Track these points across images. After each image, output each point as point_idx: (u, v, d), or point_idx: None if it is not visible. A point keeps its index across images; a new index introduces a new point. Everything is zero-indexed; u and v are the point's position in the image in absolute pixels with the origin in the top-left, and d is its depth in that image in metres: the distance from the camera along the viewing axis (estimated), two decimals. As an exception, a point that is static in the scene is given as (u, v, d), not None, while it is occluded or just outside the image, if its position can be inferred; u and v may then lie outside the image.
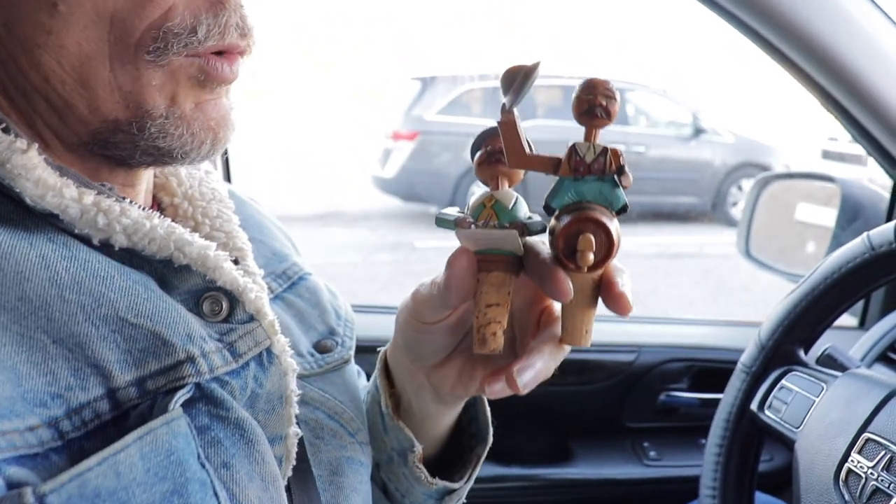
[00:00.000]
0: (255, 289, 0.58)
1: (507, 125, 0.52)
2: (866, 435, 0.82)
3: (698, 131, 8.17)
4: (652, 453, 1.49)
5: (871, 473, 0.79)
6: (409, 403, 0.72)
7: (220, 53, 0.56)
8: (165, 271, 0.56)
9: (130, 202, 0.56)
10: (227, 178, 1.55)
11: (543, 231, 0.55)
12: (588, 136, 0.52)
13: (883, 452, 0.79)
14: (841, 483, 0.82)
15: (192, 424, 0.50)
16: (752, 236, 1.85)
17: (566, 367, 1.45)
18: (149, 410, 0.48)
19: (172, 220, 0.65)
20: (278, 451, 0.60)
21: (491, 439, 0.77)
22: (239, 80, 0.60)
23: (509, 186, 0.58)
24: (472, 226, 0.54)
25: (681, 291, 5.83)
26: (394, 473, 0.77)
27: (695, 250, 7.05)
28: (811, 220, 1.89)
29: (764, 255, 1.83)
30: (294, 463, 0.62)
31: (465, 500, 0.80)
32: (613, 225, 0.51)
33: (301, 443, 0.67)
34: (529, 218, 0.56)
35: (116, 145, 0.55)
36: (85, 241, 0.52)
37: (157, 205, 0.68)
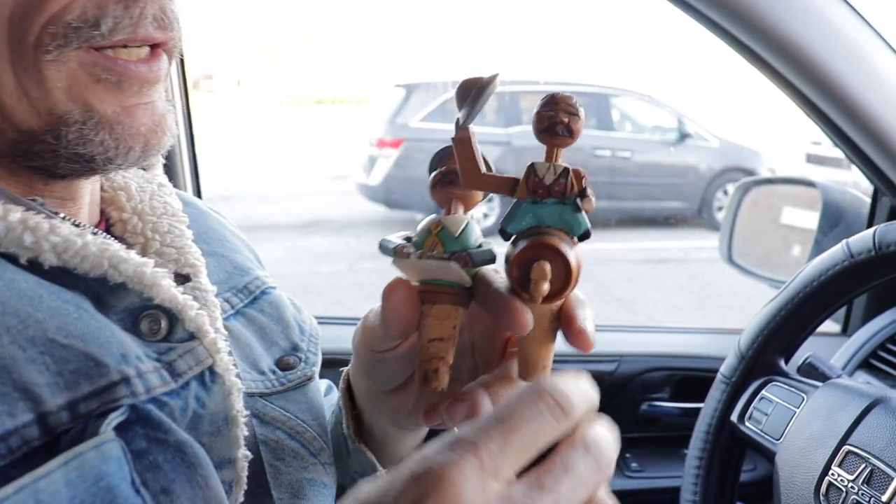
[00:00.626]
0: (196, 306, 0.56)
1: (462, 142, 0.49)
2: (846, 447, 0.80)
3: (683, 136, 8.21)
4: (634, 464, 1.47)
5: (852, 487, 0.77)
6: (370, 425, 0.69)
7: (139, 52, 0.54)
8: (101, 290, 0.53)
9: (64, 218, 0.54)
10: (197, 191, 1.53)
11: (492, 261, 0.52)
12: (549, 156, 0.49)
13: (863, 466, 0.78)
14: (821, 496, 0.80)
15: (127, 448, 0.47)
16: (735, 241, 1.84)
17: (546, 378, 1.44)
18: (80, 435, 0.45)
19: (121, 236, 0.63)
20: (227, 475, 0.57)
21: None
22: (167, 78, 0.58)
23: (465, 211, 0.54)
24: (412, 255, 0.51)
25: (666, 297, 5.84)
26: None
27: (680, 255, 7.07)
28: (797, 223, 1.88)
29: (746, 261, 1.82)
30: (245, 487, 0.59)
31: None
32: (573, 252, 0.47)
33: (260, 466, 0.65)
34: (480, 245, 0.52)
35: (39, 155, 0.53)
36: (12, 259, 0.49)
37: (106, 220, 0.65)
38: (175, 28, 0.56)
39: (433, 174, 0.54)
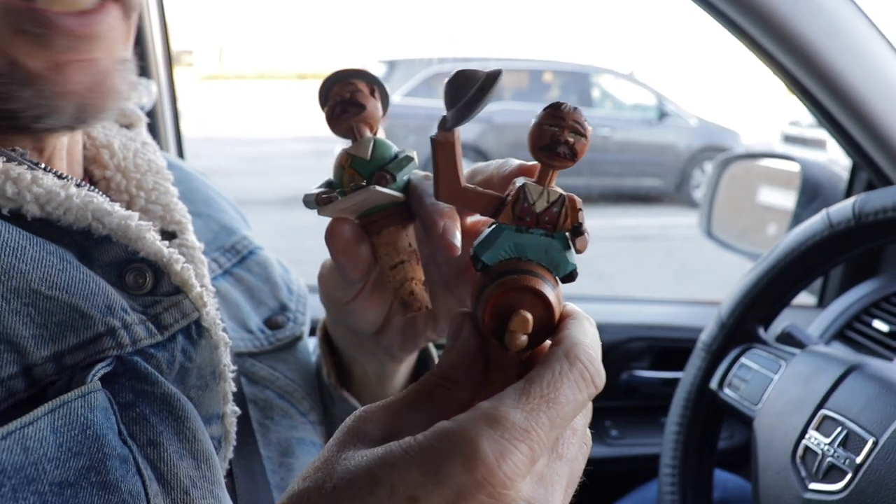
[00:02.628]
0: (182, 260, 0.55)
1: (444, 146, 0.42)
2: (823, 412, 0.82)
3: (663, 115, 8.25)
4: (614, 432, 1.49)
5: (828, 450, 0.79)
6: (363, 369, 0.68)
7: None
8: (86, 243, 0.52)
9: (47, 169, 0.52)
10: (180, 156, 1.51)
11: (414, 165, 0.49)
12: (543, 178, 0.42)
13: (839, 429, 0.79)
14: (798, 460, 0.82)
15: (113, 400, 0.47)
16: (714, 215, 1.85)
17: (528, 348, 1.45)
18: (66, 387, 0.45)
19: (105, 194, 0.61)
20: (216, 430, 0.57)
21: None
22: (113, 35, 0.53)
23: (371, 133, 0.50)
24: (330, 198, 0.48)
25: (645, 272, 5.88)
26: None
27: (659, 232, 7.12)
28: (773, 202, 1.90)
29: (726, 235, 1.84)
30: (234, 444, 0.59)
31: None
32: (555, 295, 0.41)
33: (248, 423, 0.65)
34: (395, 157, 0.49)
35: None
36: None
37: (89, 178, 0.64)
38: None
39: (325, 108, 0.51)
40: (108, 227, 0.51)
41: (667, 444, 1.03)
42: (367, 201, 0.48)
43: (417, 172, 0.52)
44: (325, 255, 0.55)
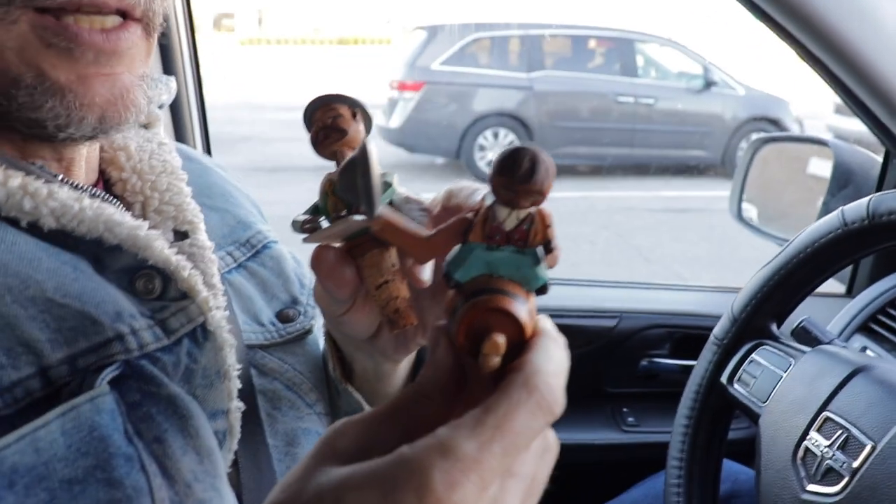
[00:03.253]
0: (189, 266, 0.58)
1: (386, 230, 0.45)
2: (825, 413, 0.82)
3: (709, 84, 8.05)
4: (630, 419, 1.50)
5: (827, 452, 0.79)
6: (363, 367, 0.71)
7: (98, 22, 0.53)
8: (99, 251, 0.56)
9: (63, 180, 0.56)
10: (206, 146, 1.54)
11: (390, 192, 0.51)
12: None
13: (840, 432, 0.79)
14: (798, 460, 0.82)
15: (121, 401, 0.50)
16: (745, 199, 1.83)
17: (546, 333, 1.46)
18: (78, 388, 0.49)
19: (121, 195, 0.65)
20: (221, 425, 0.60)
21: None
22: (134, 51, 0.56)
23: None
24: (314, 227, 0.51)
25: (685, 247, 5.80)
26: None
27: (702, 205, 7.01)
28: (824, 174, 1.86)
29: (759, 217, 1.82)
30: (239, 436, 0.62)
31: None
32: (527, 310, 0.42)
33: (256, 416, 0.68)
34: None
35: (2, 116, 0.54)
36: (13, 223, 0.52)
37: (106, 180, 0.67)
38: None
39: (311, 133, 0.52)
40: (119, 236, 0.55)
41: (675, 437, 1.04)
42: (349, 229, 0.50)
43: (400, 193, 0.54)
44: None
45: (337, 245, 0.54)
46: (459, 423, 0.38)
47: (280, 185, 6.80)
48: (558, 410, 0.40)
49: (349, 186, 0.44)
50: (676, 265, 5.41)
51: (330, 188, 0.51)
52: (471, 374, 0.43)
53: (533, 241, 0.42)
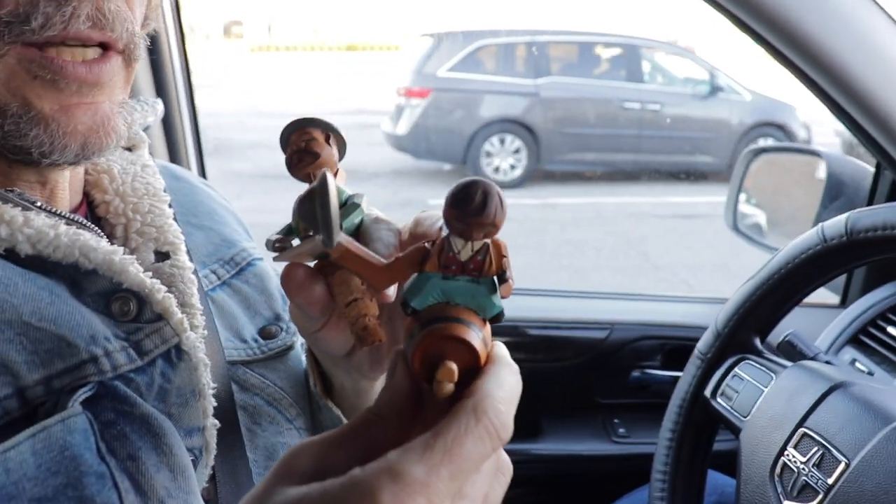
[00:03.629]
0: (163, 289, 0.60)
1: (345, 258, 0.46)
2: (803, 430, 0.83)
3: (715, 89, 8.02)
4: (621, 430, 1.50)
5: (803, 469, 0.80)
6: (341, 383, 0.72)
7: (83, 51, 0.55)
8: (76, 275, 0.57)
9: (41, 207, 0.57)
10: (201, 167, 1.55)
11: (358, 212, 0.52)
12: None
13: (816, 448, 0.80)
14: (776, 476, 0.83)
15: (95, 420, 0.52)
16: (740, 210, 1.83)
17: (537, 344, 1.47)
18: (53, 408, 0.51)
19: (104, 217, 0.67)
20: (196, 442, 0.62)
21: None
22: (114, 81, 0.58)
23: None
24: (284, 246, 0.52)
25: (692, 254, 5.78)
26: None
27: (708, 211, 6.99)
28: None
29: (750, 229, 1.82)
30: (215, 452, 0.64)
31: None
32: (481, 338, 0.43)
33: (236, 431, 0.69)
34: (345, 203, 0.52)
35: None
36: None
37: (90, 202, 0.69)
38: (118, 29, 0.56)
39: (286, 155, 0.54)
40: (94, 261, 0.57)
41: (659, 450, 1.04)
42: (315, 249, 0.50)
43: (370, 214, 0.56)
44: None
45: (309, 264, 0.55)
46: (409, 447, 0.39)
47: (287, 192, 6.78)
48: (506, 436, 0.41)
49: (308, 215, 0.45)
50: (683, 271, 5.39)
51: None
52: (427, 399, 0.44)
53: (488, 272, 0.43)
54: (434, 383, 0.41)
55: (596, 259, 5.57)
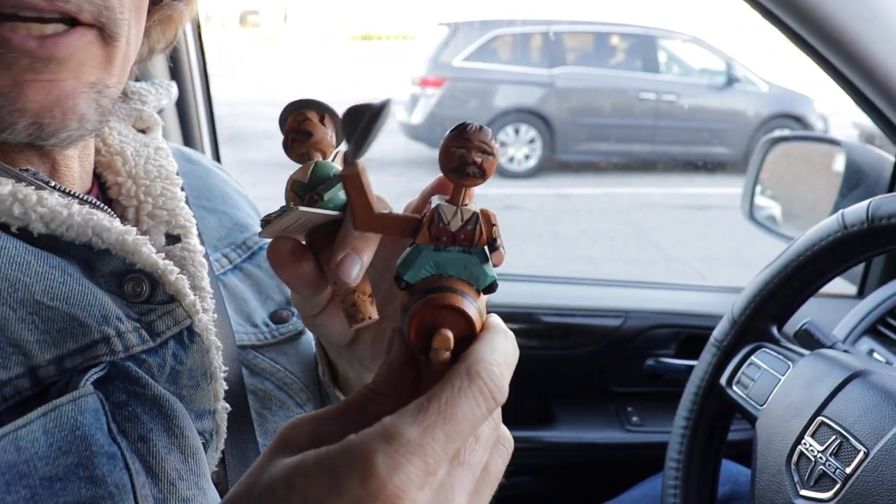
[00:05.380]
0: (176, 271, 0.60)
1: (351, 179, 0.45)
2: (821, 418, 0.82)
3: (731, 80, 7.95)
4: (635, 418, 1.49)
5: (820, 458, 0.79)
6: (346, 373, 0.72)
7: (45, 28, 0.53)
8: (89, 255, 0.57)
9: (54, 187, 0.57)
10: (216, 155, 1.55)
11: (337, 183, 0.51)
12: (456, 197, 0.44)
13: (834, 437, 0.79)
14: (792, 465, 0.82)
15: (106, 401, 0.51)
16: (757, 199, 1.81)
17: (551, 331, 1.46)
18: (65, 388, 0.50)
19: (116, 199, 0.66)
20: (207, 425, 0.62)
21: None
22: (75, 55, 0.54)
23: (324, 158, 0.52)
24: (269, 220, 0.51)
25: (705, 245, 5.75)
26: None
27: (724, 202, 6.94)
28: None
29: (767, 219, 1.80)
30: (225, 436, 0.63)
31: None
32: (476, 307, 0.43)
33: (246, 415, 0.69)
34: (332, 175, 0.51)
35: None
36: (3, 228, 0.54)
37: (102, 184, 0.68)
38: (84, 1, 0.53)
39: (283, 137, 0.53)
40: (107, 241, 0.57)
41: (674, 438, 1.04)
42: (302, 221, 0.50)
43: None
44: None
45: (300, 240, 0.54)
46: (404, 410, 0.39)
47: (301, 181, 6.80)
48: (500, 398, 0.41)
49: (351, 125, 0.44)
50: (696, 262, 5.36)
51: (290, 185, 0.52)
52: (424, 373, 0.44)
53: (479, 241, 0.44)
54: (430, 352, 0.42)
55: (609, 250, 5.55)
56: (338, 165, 0.53)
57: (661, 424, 1.48)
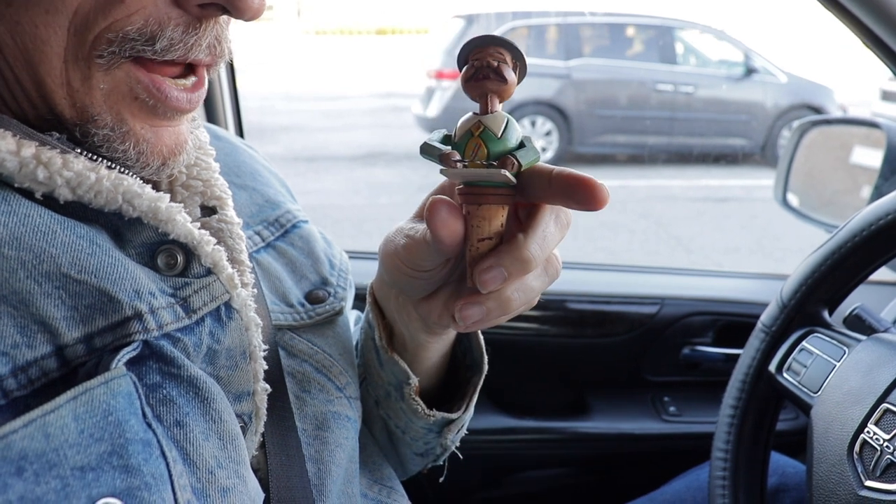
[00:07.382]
0: (213, 241, 0.56)
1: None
2: (885, 405, 0.78)
3: (750, 71, 7.87)
4: (672, 408, 1.45)
5: (887, 447, 0.75)
6: (402, 335, 0.71)
7: (180, 74, 0.55)
8: (119, 224, 0.54)
9: (81, 152, 0.53)
10: (239, 130, 1.52)
11: (537, 161, 0.51)
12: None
13: (901, 425, 0.75)
14: (855, 454, 0.78)
15: (139, 383, 0.48)
16: (791, 184, 1.77)
17: (585, 319, 1.43)
18: (95, 368, 0.47)
19: None
20: (247, 407, 0.59)
21: (486, 367, 0.75)
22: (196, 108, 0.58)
23: (500, 103, 0.52)
24: (458, 164, 0.50)
25: (725, 237, 5.70)
26: (392, 409, 0.76)
27: (742, 194, 6.89)
28: (869, 163, 1.79)
29: (802, 204, 1.76)
30: (265, 419, 0.60)
31: (467, 432, 0.79)
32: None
33: (284, 399, 0.66)
34: (522, 145, 0.51)
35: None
36: (27, 194, 0.50)
37: None
38: (225, 53, 0.57)
39: (465, 68, 0.52)
40: (139, 209, 0.53)
41: (721, 427, 1.00)
42: (487, 177, 0.50)
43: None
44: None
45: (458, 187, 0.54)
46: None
47: (318, 174, 6.82)
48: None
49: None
50: (716, 255, 5.31)
51: (478, 130, 0.51)
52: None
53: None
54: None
55: (629, 242, 5.50)
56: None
57: (700, 415, 1.44)
